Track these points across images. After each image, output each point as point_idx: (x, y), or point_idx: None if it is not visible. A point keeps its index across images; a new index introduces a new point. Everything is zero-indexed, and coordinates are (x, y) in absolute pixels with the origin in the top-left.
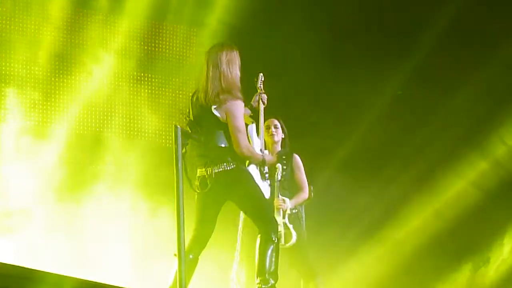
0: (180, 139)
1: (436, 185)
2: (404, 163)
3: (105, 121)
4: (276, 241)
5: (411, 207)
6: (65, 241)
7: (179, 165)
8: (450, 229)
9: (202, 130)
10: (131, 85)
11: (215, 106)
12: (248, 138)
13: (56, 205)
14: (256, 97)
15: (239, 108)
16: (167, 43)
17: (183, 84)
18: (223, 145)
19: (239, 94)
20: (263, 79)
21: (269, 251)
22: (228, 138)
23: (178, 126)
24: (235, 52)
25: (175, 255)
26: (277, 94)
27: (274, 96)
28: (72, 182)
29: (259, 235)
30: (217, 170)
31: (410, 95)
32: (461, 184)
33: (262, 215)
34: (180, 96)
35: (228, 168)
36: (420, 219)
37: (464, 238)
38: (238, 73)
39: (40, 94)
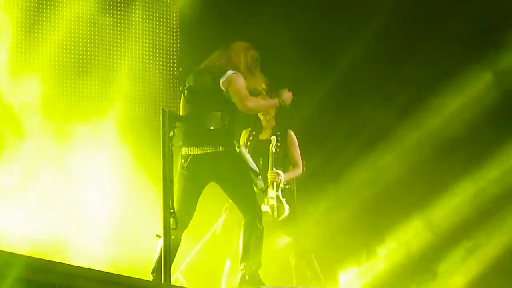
0: (167, 123)
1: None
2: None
3: (83, 81)
4: (261, 228)
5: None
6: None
7: (166, 150)
8: None
9: (199, 103)
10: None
11: (223, 79)
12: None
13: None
14: None
15: (242, 79)
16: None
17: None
18: (216, 127)
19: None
20: None
21: (254, 238)
22: (223, 120)
23: (165, 109)
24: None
25: (157, 236)
26: None
27: None
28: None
29: (244, 222)
30: (205, 151)
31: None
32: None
33: (248, 201)
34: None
35: (218, 150)
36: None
37: None
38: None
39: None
